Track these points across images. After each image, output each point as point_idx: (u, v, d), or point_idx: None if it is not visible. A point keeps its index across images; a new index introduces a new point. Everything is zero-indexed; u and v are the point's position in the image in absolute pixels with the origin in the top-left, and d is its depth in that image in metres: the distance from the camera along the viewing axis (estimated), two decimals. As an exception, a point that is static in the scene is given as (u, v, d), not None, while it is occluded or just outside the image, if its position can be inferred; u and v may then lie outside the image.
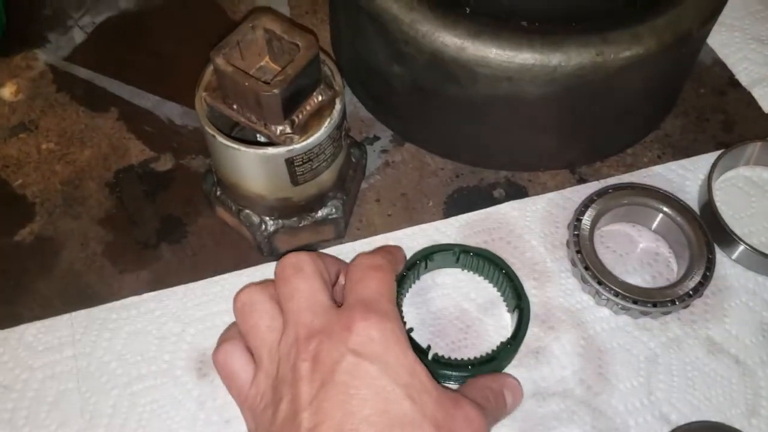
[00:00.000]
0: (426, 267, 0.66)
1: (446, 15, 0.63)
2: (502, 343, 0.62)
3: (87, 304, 0.65)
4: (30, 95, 0.79)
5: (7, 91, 0.79)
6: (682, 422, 0.61)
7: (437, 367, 0.59)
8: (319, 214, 0.66)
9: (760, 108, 0.80)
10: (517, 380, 0.59)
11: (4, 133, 0.76)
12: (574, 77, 0.63)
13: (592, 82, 0.64)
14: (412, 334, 0.62)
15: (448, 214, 0.72)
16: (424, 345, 0.60)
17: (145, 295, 0.66)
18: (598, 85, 0.65)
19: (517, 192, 0.73)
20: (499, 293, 0.67)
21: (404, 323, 0.52)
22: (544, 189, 0.73)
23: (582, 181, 0.74)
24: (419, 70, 0.66)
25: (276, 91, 0.55)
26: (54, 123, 0.77)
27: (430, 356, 0.59)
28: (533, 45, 0.62)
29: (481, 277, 0.68)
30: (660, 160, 0.76)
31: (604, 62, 0.63)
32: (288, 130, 0.58)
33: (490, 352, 0.61)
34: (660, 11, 0.65)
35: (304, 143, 0.58)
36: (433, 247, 0.66)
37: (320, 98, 0.60)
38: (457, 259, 0.66)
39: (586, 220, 0.68)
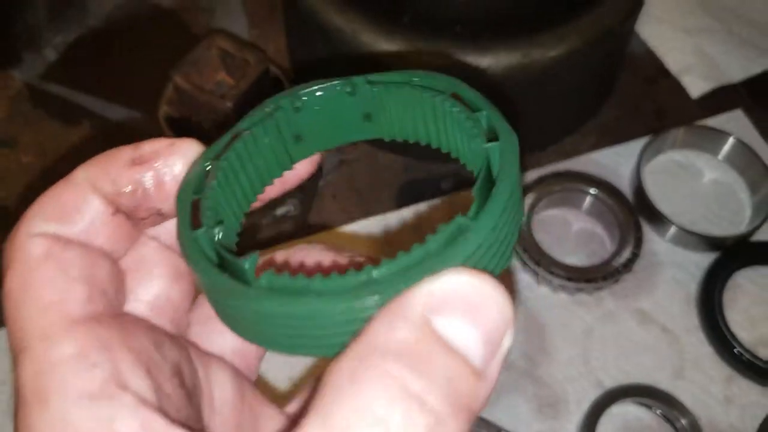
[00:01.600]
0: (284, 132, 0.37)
1: (384, 25, 0.69)
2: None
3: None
4: (8, 113, 0.84)
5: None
6: (612, 386, 0.68)
7: None
8: (279, 212, 0.72)
9: (687, 95, 0.86)
10: None
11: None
12: (504, 77, 0.69)
13: (523, 81, 0.70)
14: None
15: (400, 205, 0.78)
16: None
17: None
18: (529, 83, 0.71)
19: (463, 182, 0.79)
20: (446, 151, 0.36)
21: None
22: (488, 179, 0.79)
23: (524, 169, 0.80)
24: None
25: (229, 103, 0.61)
26: (33, 138, 0.82)
27: None
28: (465, 50, 0.68)
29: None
30: (596, 147, 0.82)
31: (531, 62, 0.69)
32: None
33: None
34: (582, 12, 0.71)
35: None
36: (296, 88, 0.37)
37: (272, 107, 0.65)
38: (351, 92, 0.36)
39: (524, 207, 0.74)
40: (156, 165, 0.33)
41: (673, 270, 0.74)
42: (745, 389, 0.69)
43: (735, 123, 0.83)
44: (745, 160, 0.79)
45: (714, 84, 0.86)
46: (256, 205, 0.38)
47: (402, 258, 0.27)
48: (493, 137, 0.32)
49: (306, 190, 0.74)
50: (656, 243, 0.76)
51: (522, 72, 0.69)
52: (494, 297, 0.26)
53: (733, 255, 0.74)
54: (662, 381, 0.68)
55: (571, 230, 0.76)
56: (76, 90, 0.86)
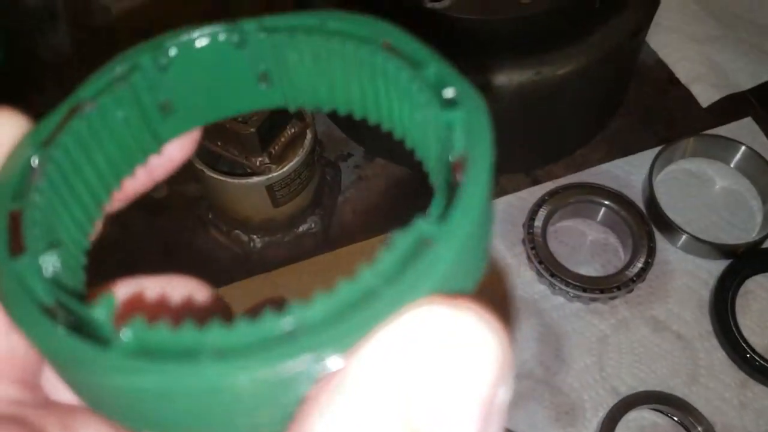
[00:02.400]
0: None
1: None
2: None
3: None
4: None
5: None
6: (629, 393, 0.70)
7: None
8: (301, 229, 0.74)
9: (698, 104, 0.87)
10: None
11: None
12: (517, 95, 0.71)
13: (535, 98, 0.72)
14: None
15: (412, 219, 0.79)
16: None
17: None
18: (541, 100, 0.73)
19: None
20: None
21: None
22: (502, 192, 0.81)
23: (537, 182, 0.82)
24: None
25: (252, 129, 0.63)
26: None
27: None
28: (477, 69, 0.70)
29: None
30: (608, 158, 0.84)
31: (542, 80, 0.71)
32: (266, 161, 0.66)
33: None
34: (592, 29, 0.73)
35: (281, 171, 0.66)
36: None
37: (293, 130, 0.68)
38: (239, 43, 0.27)
39: (538, 219, 0.76)
40: None
41: (685, 278, 0.76)
42: (759, 394, 0.70)
43: (745, 131, 0.84)
44: (756, 168, 0.81)
45: (724, 92, 0.87)
46: (113, 206, 0.27)
47: (344, 289, 0.18)
48: (450, 103, 0.23)
49: (326, 206, 0.76)
50: (669, 251, 0.77)
51: (533, 90, 0.71)
52: (488, 339, 0.18)
53: (744, 262, 0.75)
54: (677, 387, 0.70)
55: (586, 241, 0.78)
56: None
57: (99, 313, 0.19)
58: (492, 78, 0.70)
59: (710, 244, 0.75)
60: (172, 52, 0.26)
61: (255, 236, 0.73)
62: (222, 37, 0.26)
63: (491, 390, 0.18)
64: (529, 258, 0.75)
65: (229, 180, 0.66)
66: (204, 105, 0.28)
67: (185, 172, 0.84)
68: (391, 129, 0.26)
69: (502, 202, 0.80)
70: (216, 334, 0.18)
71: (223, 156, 0.67)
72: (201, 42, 0.26)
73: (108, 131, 0.25)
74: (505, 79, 0.70)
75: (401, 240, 0.19)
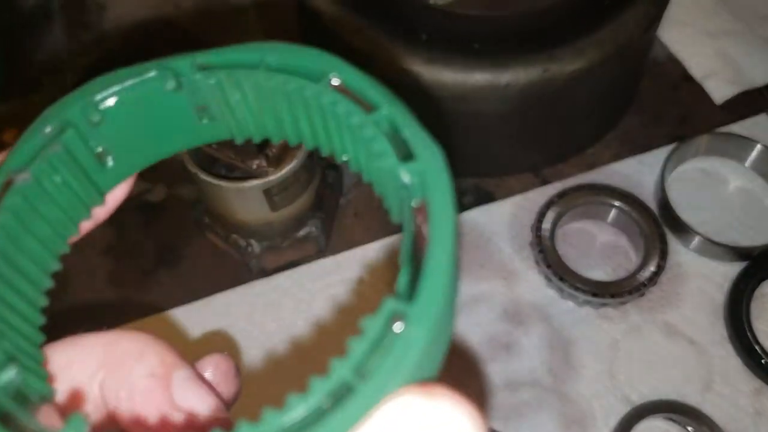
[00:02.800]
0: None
1: (403, 44, 0.69)
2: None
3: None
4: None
5: (8, 138, 0.86)
6: (641, 402, 0.67)
7: None
8: (301, 233, 0.72)
9: (711, 101, 0.85)
10: None
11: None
12: (524, 93, 0.68)
13: (543, 95, 0.69)
14: None
15: (422, 222, 0.77)
16: None
17: (147, 319, 0.73)
18: (549, 97, 0.70)
19: (484, 197, 0.79)
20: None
21: None
22: (510, 192, 0.79)
23: (545, 182, 0.79)
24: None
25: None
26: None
27: None
28: (484, 67, 0.67)
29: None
30: (618, 157, 0.81)
31: (551, 78, 0.68)
32: (264, 163, 0.64)
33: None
34: (601, 24, 0.70)
35: (279, 174, 0.64)
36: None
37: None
38: (176, 88, 0.26)
39: (547, 221, 0.73)
40: None
41: (699, 281, 0.73)
42: (775, 402, 0.68)
43: (761, 128, 0.82)
44: (771, 166, 0.78)
45: (738, 88, 0.84)
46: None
47: (318, 388, 0.18)
48: (405, 153, 0.22)
49: (327, 209, 0.74)
50: (681, 254, 0.75)
51: (542, 87, 0.68)
52: (465, 424, 0.19)
53: (760, 264, 0.73)
54: (690, 395, 0.68)
55: (596, 244, 0.75)
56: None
57: None
58: (499, 76, 0.67)
59: (724, 246, 0.73)
60: (103, 105, 0.25)
61: (253, 241, 0.71)
62: (155, 83, 0.25)
63: None
64: (537, 261, 0.73)
65: (225, 184, 0.63)
66: (143, 148, 0.27)
67: (182, 175, 0.82)
68: (347, 163, 0.25)
69: (509, 204, 0.78)
70: None
71: (219, 159, 0.65)
72: (133, 92, 0.25)
73: (47, 199, 0.24)
74: (512, 77, 0.67)
75: (371, 326, 0.19)
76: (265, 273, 0.73)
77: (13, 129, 0.86)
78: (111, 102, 0.25)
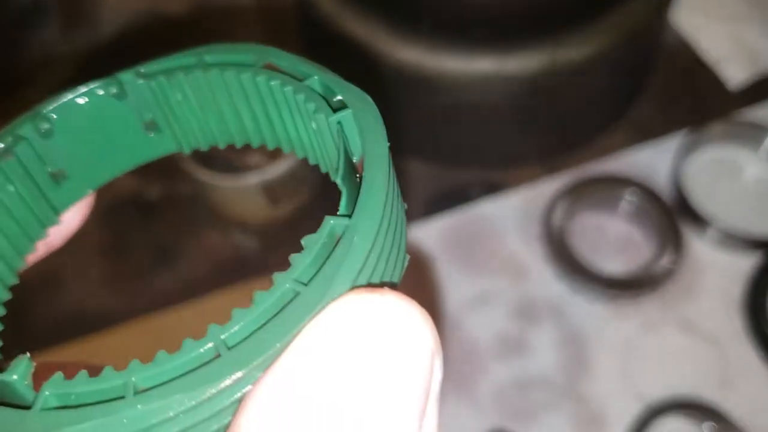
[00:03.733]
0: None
1: (404, 33, 0.66)
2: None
3: (94, 331, 0.70)
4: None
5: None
6: (656, 400, 0.65)
7: None
8: (302, 229, 0.70)
9: (725, 87, 0.82)
10: None
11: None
12: (531, 81, 0.66)
13: (550, 83, 0.67)
14: None
15: (427, 215, 0.75)
16: None
17: (143, 318, 0.71)
18: (557, 85, 0.68)
19: (492, 189, 0.76)
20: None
21: None
22: (519, 183, 0.76)
23: (554, 172, 0.77)
24: (384, 84, 0.69)
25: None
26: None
27: None
28: (488, 55, 0.65)
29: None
30: (631, 144, 0.79)
31: (559, 65, 0.66)
32: (262, 157, 0.62)
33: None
34: (611, 9, 0.68)
35: (278, 168, 0.62)
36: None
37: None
38: (119, 94, 0.26)
39: (557, 213, 0.71)
40: None
41: (715, 274, 0.71)
42: (796, 398, 0.66)
43: (776, 114, 0.79)
44: (788, 153, 0.76)
45: (753, 74, 0.82)
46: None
47: (261, 301, 0.18)
48: (339, 106, 0.23)
49: (329, 204, 0.71)
50: (697, 246, 0.72)
51: (549, 75, 0.66)
52: (415, 323, 0.18)
53: (779, 256, 0.70)
54: (708, 392, 0.65)
55: (608, 236, 0.73)
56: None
57: (14, 376, 0.18)
58: (504, 64, 0.65)
59: (741, 237, 0.70)
60: (52, 115, 0.25)
61: (253, 237, 0.69)
62: (100, 92, 0.26)
63: (426, 376, 0.18)
64: (547, 255, 0.70)
65: (222, 178, 0.61)
66: (96, 165, 0.27)
67: (178, 172, 0.80)
68: (285, 146, 0.26)
69: (518, 195, 0.75)
70: (137, 372, 0.17)
71: (215, 154, 0.63)
72: (80, 100, 0.26)
73: (1, 208, 0.25)
74: (518, 65, 0.65)
75: (312, 240, 0.19)
76: (266, 270, 0.71)
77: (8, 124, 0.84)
78: (59, 114, 0.25)
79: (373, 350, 0.17)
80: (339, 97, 0.23)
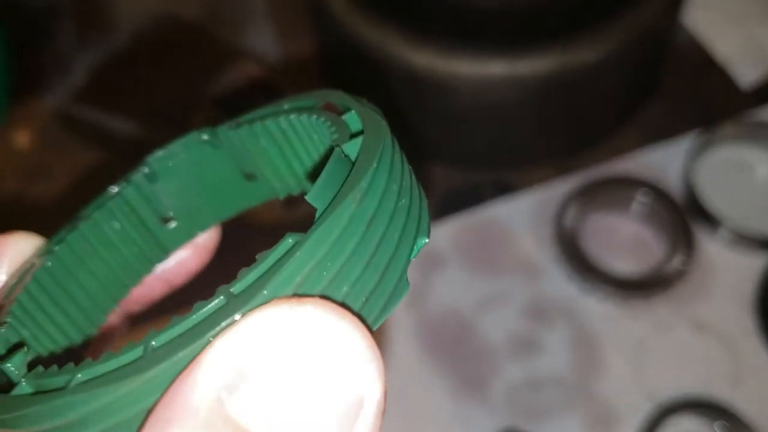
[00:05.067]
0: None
1: (415, 35, 0.67)
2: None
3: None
4: (42, 141, 0.84)
5: (21, 140, 0.85)
6: (668, 399, 0.65)
7: None
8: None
9: (736, 86, 0.82)
10: None
11: (22, 181, 0.82)
12: (543, 83, 0.66)
13: (562, 85, 0.67)
14: None
15: (440, 216, 0.76)
16: None
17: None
18: (568, 87, 0.68)
19: (504, 190, 0.77)
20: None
21: None
22: (531, 184, 0.77)
23: (566, 172, 0.77)
24: (396, 87, 0.70)
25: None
26: (68, 166, 0.82)
27: None
28: (499, 58, 0.65)
29: None
30: (642, 144, 0.79)
31: (570, 66, 0.66)
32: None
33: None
34: (622, 9, 0.68)
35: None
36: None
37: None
38: (212, 141, 0.28)
39: (568, 213, 0.71)
40: None
41: (727, 274, 0.71)
42: (808, 398, 0.66)
43: (788, 113, 0.79)
44: (800, 153, 0.76)
45: (765, 73, 0.82)
46: (127, 308, 0.28)
47: (198, 310, 0.19)
48: (355, 134, 0.24)
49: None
50: (709, 246, 0.72)
51: (560, 76, 0.66)
52: (334, 336, 0.17)
53: (790, 255, 0.70)
54: (719, 392, 0.66)
55: (619, 237, 0.73)
56: (106, 111, 0.86)
57: (8, 364, 0.21)
58: (515, 66, 0.65)
59: (753, 237, 0.71)
60: (156, 162, 0.28)
61: (264, 238, 0.69)
62: (197, 139, 0.28)
63: (345, 390, 0.17)
64: (559, 256, 0.71)
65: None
66: (200, 210, 0.29)
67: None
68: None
69: (530, 195, 0.76)
70: (87, 367, 0.19)
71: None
72: (180, 148, 0.28)
73: (103, 241, 0.27)
74: (529, 66, 0.65)
75: (264, 255, 0.19)
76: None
77: (26, 130, 0.85)
78: (163, 161, 0.28)
79: (275, 366, 0.17)
80: (355, 127, 0.24)
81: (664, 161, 0.77)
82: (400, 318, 0.70)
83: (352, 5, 0.68)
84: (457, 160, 0.78)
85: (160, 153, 0.28)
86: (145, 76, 0.89)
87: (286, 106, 0.26)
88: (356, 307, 0.20)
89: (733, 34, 0.86)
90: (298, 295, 0.18)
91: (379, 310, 0.20)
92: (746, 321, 0.69)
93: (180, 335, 0.18)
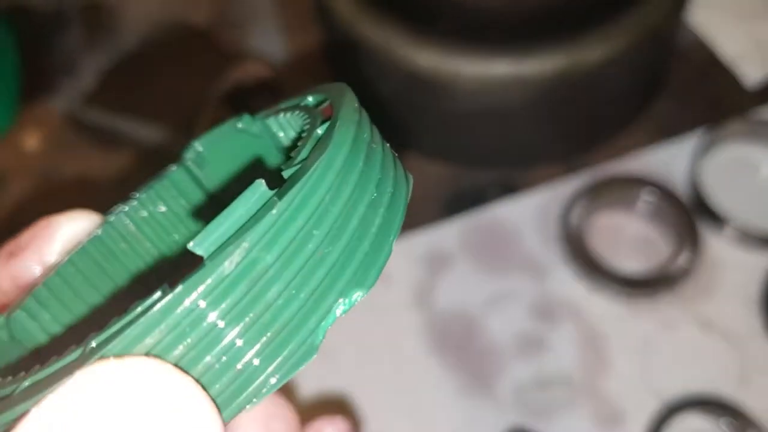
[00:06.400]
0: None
1: (420, 35, 0.67)
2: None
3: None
4: (52, 143, 0.85)
5: (31, 142, 0.85)
6: (675, 397, 0.65)
7: None
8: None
9: (741, 85, 0.82)
10: None
11: (31, 183, 0.82)
12: (548, 83, 0.67)
13: (567, 85, 0.68)
14: None
15: (446, 216, 0.76)
16: None
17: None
18: (574, 86, 0.68)
19: (510, 189, 0.77)
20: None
21: None
22: (537, 183, 0.77)
23: (573, 171, 0.77)
24: (401, 87, 0.70)
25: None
26: (78, 168, 0.83)
27: None
28: (504, 57, 0.66)
29: None
30: (648, 143, 0.79)
31: (575, 66, 0.66)
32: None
33: None
34: (627, 9, 0.68)
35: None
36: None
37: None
38: (250, 122, 0.29)
39: (575, 213, 0.72)
40: (27, 255, 0.27)
41: (734, 272, 0.71)
42: (815, 395, 0.66)
43: (794, 112, 0.79)
44: (806, 151, 0.76)
45: (770, 71, 0.82)
46: None
47: (68, 352, 0.18)
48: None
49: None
50: (715, 244, 0.73)
51: (566, 76, 0.67)
52: (174, 391, 0.17)
53: (797, 253, 0.70)
54: (726, 390, 0.66)
55: (625, 235, 0.74)
56: (117, 114, 0.86)
57: None
58: (520, 66, 0.65)
59: (759, 235, 0.71)
60: (201, 146, 0.28)
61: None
62: (235, 127, 0.28)
63: None
64: (565, 255, 0.71)
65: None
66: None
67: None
68: None
69: (536, 195, 0.76)
70: (33, 373, 0.19)
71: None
72: (222, 136, 0.28)
73: (149, 223, 0.28)
74: (534, 67, 0.66)
75: (138, 304, 0.18)
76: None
77: (36, 132, 0.86)
78: (206, 144, 0.28)
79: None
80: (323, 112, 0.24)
81: (670, 160, 0.77)
82: (408, 317, 0.70)
83: (356, 5, 0.68)
84: (462, 161, 0.78)
85: (204, 137, 0.28)
86: (152, 77, 0.89)
87: (310, 99, 0.26)
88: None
89: (738, 33, 0.86)
90: (154, 354, 0.18)
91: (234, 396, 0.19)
92: (752, 319, 0.69)
93: (35, 383, 0.18)
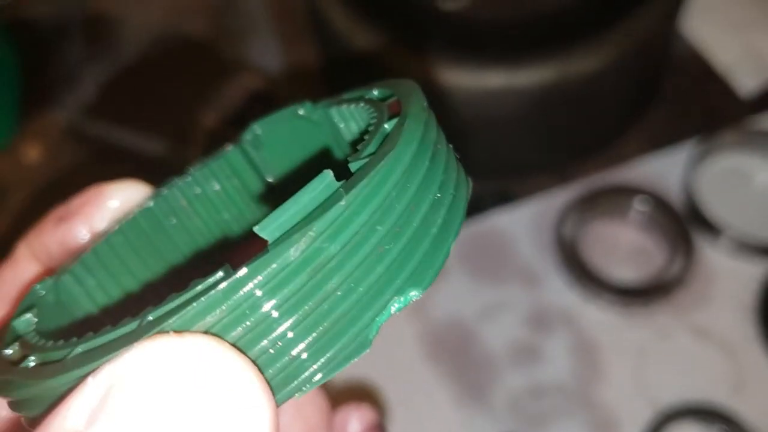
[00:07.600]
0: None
1: (415, 50, 0.68)
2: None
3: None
4: (52, 156, 0.86)
5: (31, 154, 0.86)
6: (669, 406, 0.66)
7: None
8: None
9: (735, 94, 0.83)
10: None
11: (32, 194, 0.83)
12: (541, 94, 0.67)
13: (560, 95, 0.68)
14: None
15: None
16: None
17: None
18: (567, 97, 0.69)
19: (505, 199, 0.77)
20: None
21: None
22: (531, 193, 0.77)
23: (567, 181, 0.78)
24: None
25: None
26: (79, 180, 0.83)
27: None
28: (498, 71, 0.66)
29: None
30: (642, 153, 0.79)
31: (568, 77, 0.67)
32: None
33: None
34: (618, 20, 0.69)
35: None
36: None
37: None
38: (311, 110, 0.29)
39: (569, 223, 0.72)
40: (77, 220, 0.28)
41: (727, 281, 0.72)
42: (809, 404, 0.66)
43: (788, 121, 0.80)
44: (800, 160, 0.76)
45: (764, 81, 0.82)
46: None
47: (124, 322, 0.19)
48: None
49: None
50: (709, 253, 0.73)
51: (559, 88, 0.67)
52: (213, 366, 0.17)
53: (790, 262, 0.71)
54: (720, 398, 0.66)
55: (619, 244, 0.74)
56: (115, 126, 0.87)
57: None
58: (514, 78, 0.66)
59: (753, 244, 0.71)
60: (260, 128, 0.28)
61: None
62: (299, 110, 0.28)
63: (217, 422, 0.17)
64: (559, 264, 0.71)
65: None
66: (302, 179, 0.29)
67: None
68: None
69: (530, 205, 0.77)
70: (86, 340, 0.19)
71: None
72: (286, 114, 0.28)
73: (201, 200, 0.28)
74: (527, 78, 0.66)
75: (197, 282, 0.19)
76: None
77: (37, 144, 0.87)
78: (266, 128, 0.28)
79: (140, 402, 0.17)
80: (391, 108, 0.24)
81: (664, 169, 0.78)
82: (403, 326, 0.70)
83: (352, 17, 0.69)
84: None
85: (263, 121, 0.28)
86: (151, 89, 0.90)
87: (375, 93, 0.27)
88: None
89: (732, 43, 0.86)
90: (212, 333, 0.18)
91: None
92: (747, 328, 0.69)
93: (98, 347, 0.19)
